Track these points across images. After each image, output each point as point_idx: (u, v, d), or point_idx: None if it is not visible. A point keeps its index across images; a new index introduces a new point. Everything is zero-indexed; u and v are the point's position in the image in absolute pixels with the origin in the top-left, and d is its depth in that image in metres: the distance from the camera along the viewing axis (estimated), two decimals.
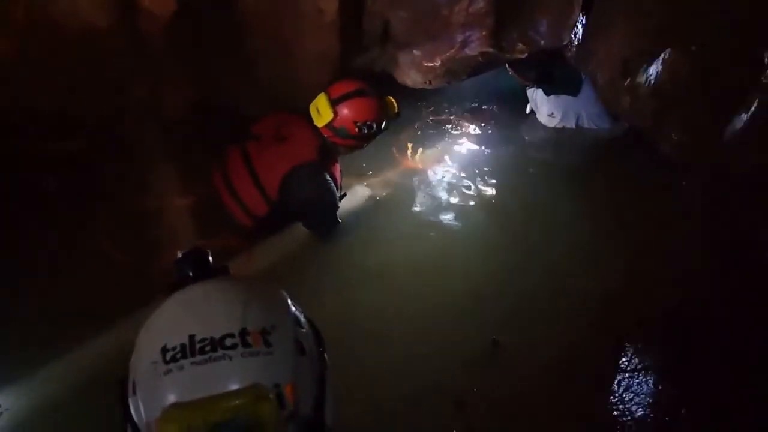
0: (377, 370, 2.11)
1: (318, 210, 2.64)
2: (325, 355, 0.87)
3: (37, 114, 2.85)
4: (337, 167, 2.68)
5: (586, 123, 3.61)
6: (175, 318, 0.83)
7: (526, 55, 2.99)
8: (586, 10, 2.95)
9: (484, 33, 2.88)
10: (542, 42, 2.96)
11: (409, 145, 3.28)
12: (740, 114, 2.08)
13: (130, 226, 2.65)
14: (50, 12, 2.65)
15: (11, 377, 2.05)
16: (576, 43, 3.03)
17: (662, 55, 2.46)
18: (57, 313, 2.28)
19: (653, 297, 2.38)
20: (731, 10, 2.20)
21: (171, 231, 2.63)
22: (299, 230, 2.74)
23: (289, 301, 0.88)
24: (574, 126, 3.63)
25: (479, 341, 2.25)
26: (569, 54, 3.12)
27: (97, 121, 2.94)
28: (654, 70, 2.49)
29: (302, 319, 0.87)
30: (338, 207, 2.70)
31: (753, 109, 2.02)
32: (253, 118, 2.75)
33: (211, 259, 0.94)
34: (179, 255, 0.93)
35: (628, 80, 2.66)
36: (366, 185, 3.11)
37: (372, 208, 3.00)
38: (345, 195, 2.77)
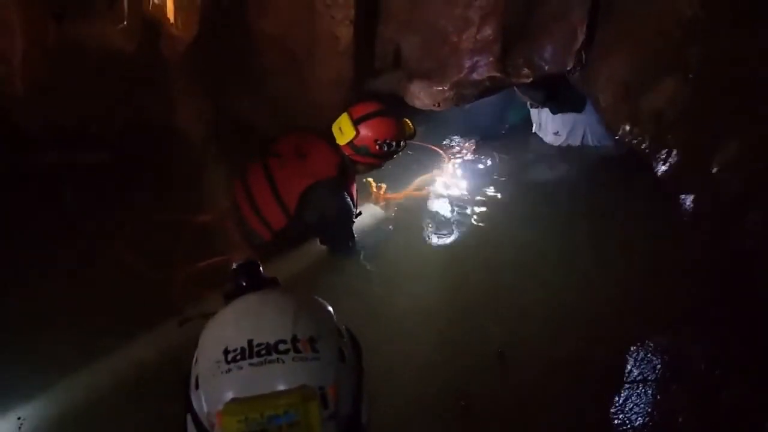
0: (387, 376, 2.15)
1: (334, 225, 2.71)
2: (362, 363, 0.97)
3: (64, 129, 2.96)
4: (354, 186, 2.77)
5: (590, 140, 3.64)
6: (236, 324, 0.94)
7: (531, 80, 3.06)
8: (589, 37, 3.00)
9: (491, 59, 2.97)
10: (547, 67, 3.04)
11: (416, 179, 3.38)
12: (733, 139, 2.19)
13: (151, 237, 2.73)
14: (81, 37, 2.79)
15: (30, 388, 2.07)
16: (579, 67, 3.09)
17: (662, 82, 2.56)
18: (76, 324, 2.32)
19: (653, 310, 2.46)
20: (725, 42, 2.31)
21: (192, 243, 2.71)
22: (314, 245, 2.82)
23: (333, 314, 0.99)
24: (579, 144, 3.68)
25: (486, 351, 2.32)
26: (573, 78, 3.19)
27: (122, 137, 3.05)
28: (653, 96, 2.59)
29: (343, 330, 0.98)
30: (354, 222, 2.77)
31: (745, 134, 2.13)
32: (273, 137, 2.84)
33: (261, 270, 1.05)
34: (234, 266, 1.04)
35: (629, 104, 2.75)
36: (378, 204, 3.18)
37: (384, 225, 3.07)
38: (360, 213, 2.84)
